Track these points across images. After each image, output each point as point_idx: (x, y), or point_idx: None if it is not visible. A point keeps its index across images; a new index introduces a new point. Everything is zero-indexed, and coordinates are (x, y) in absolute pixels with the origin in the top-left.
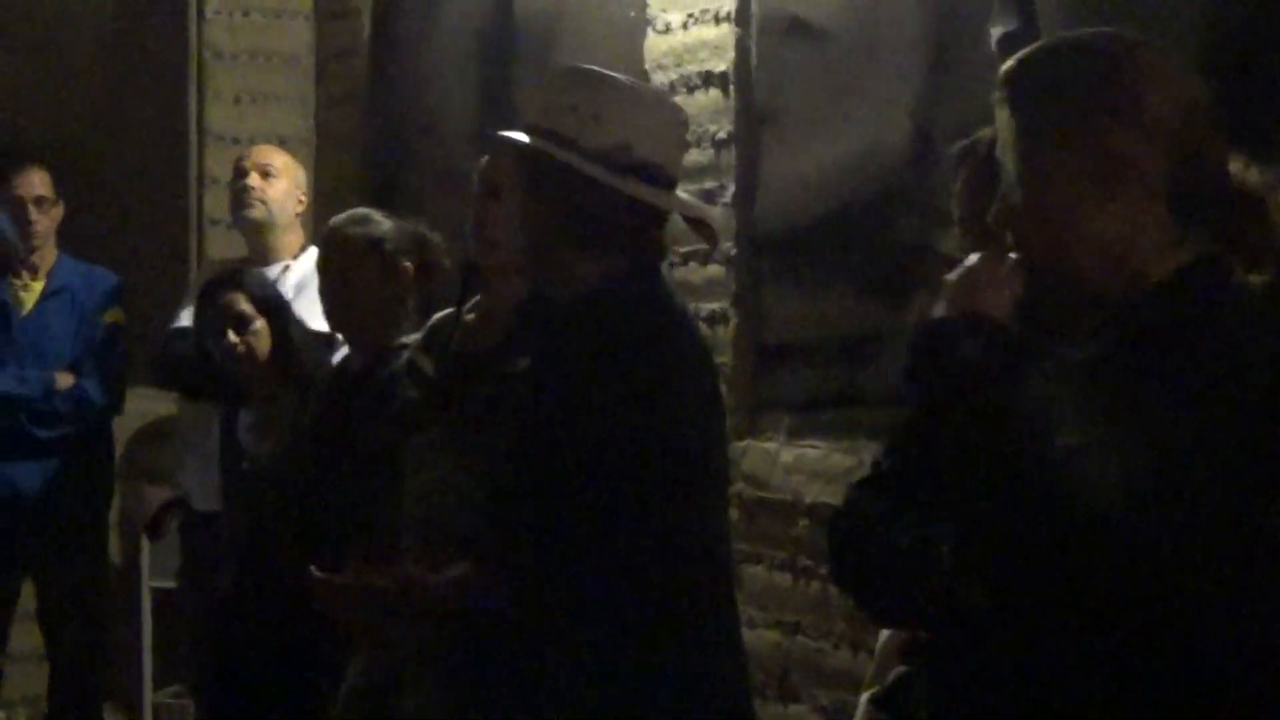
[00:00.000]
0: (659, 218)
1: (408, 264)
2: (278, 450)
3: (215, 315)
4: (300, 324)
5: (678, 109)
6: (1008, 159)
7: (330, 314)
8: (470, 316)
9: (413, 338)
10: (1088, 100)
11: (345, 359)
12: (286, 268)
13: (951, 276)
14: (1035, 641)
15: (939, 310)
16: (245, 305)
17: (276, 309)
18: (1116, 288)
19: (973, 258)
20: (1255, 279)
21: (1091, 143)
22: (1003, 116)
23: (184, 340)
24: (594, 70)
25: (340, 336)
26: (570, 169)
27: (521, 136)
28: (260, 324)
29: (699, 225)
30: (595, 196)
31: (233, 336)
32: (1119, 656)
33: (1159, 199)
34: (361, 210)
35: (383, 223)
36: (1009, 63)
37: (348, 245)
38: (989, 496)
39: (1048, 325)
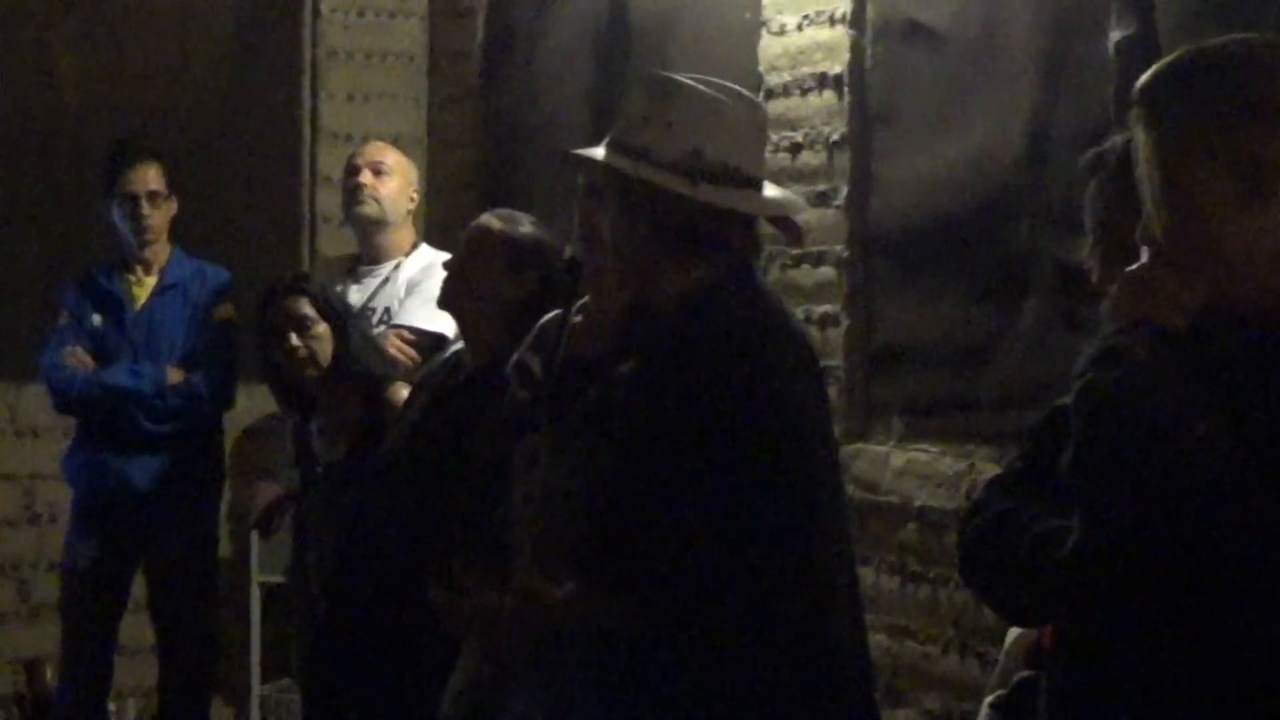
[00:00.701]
0: (747, 219)
1: (531, 274)
2: (361, 452)
3: (278, 318)
4: (361, 331)
5: (755, 106)
6: (1148, 175)
7: (444, 294)
8: (578, 319)
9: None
10: (1231, 109)
11: (456, 356)
12: (398, 265)
13: (1121, 282)
14: (1160, 646)
15: (1108, 314)
16: (308, 309)
17: (339, 314)
18: (1271, 297)
19: (1141, 263)
20: None
21: (1239, 152)
22: (1140, 132)
23: None
24: (666, 77)
25: (451, 337)
26: (648, 181)
27: (598, 152)
28: (323, 328)
29: (783, 224)
30: (677, 205)
31: (295, 340)
32: (1249, 664)
33: None
34: (511, 211)
35: (524, 227)
36: (1144, 77)
37: (480, 237)
38: (1137, 493)
39: (1202, 331)
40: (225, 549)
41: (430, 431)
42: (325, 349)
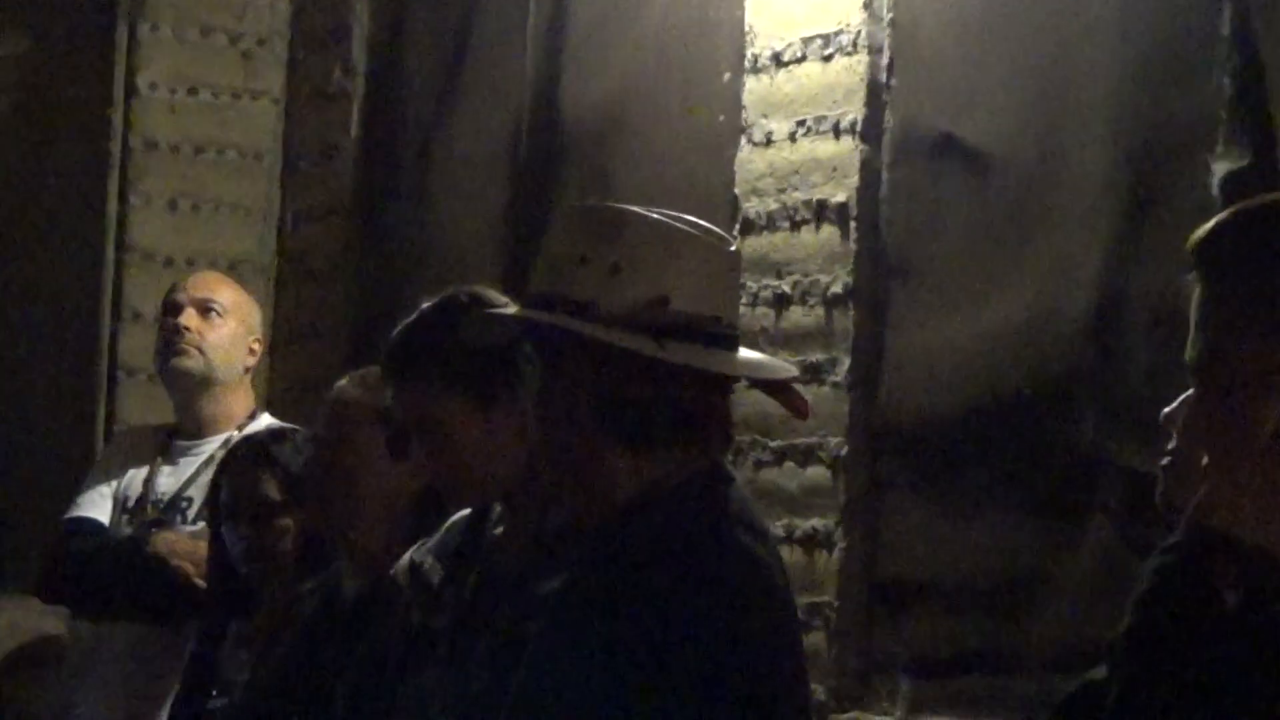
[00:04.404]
0: (721, 393)
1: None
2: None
3: (232, 499)
4: None
5: (725, 242)
6: (1193, 342)
7: (317, 512)
8: (499, 531)
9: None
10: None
11: (332, 581)
12: (228, 441)
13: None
14: None
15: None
16: (272, 489)
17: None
18: None
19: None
20: None
21: None
22: (1195, 294)
23: (89, 536)
24: (607, 208)
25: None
26: (591, 343)
27: (519, 308)
28: (288, 521)
29: (781, 392)
30: (632, 376)
31: (250, 529)
32: None
33: None
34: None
35: None
36: (1200, 230)
37: (346, 411)
38: None
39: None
40: None
41: (303, 671)
42: (287, 544)
